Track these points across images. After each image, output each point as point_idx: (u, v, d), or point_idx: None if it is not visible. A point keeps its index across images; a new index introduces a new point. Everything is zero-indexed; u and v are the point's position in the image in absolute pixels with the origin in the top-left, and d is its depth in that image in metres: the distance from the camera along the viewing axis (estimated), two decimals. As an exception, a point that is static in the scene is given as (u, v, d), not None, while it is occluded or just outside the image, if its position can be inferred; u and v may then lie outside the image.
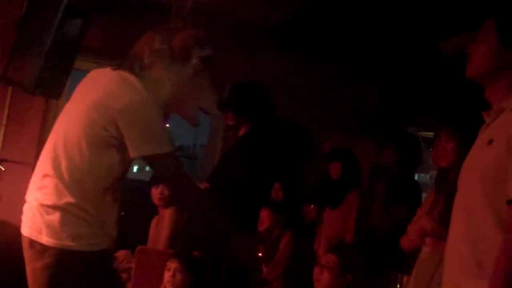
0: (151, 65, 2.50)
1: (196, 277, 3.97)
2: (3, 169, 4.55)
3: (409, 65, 6.04)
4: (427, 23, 4.98)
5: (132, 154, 2.40)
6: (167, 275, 3.96)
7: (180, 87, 2.54)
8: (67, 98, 5.53)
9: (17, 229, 5.02)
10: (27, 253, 2.47)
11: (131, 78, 2.45)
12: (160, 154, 2.42)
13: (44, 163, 2.50)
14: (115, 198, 2.51)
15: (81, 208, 2.37)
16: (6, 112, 5.02)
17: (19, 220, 5.06)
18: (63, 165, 2.40)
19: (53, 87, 4.79)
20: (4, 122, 5.02)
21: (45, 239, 2.37)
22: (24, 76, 4.56)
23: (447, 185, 3.21)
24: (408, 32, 5.33)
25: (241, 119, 4.03)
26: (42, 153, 2.54)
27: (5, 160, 4.62)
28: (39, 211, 2.43)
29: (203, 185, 3.93)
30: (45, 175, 2.47)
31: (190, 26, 2.68)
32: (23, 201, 5.21)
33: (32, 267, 2.44)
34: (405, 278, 3.52)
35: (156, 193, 4.95)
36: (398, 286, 3.47)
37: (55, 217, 2.37)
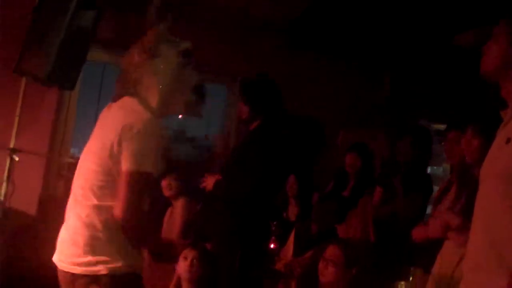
0: (139, 79, 2.53)
1: (211, 269, 3.98)
2: (17, 159, 4.57)
3: (422, 59, 6.02)
4: (440, 16, 4.96)
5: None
6: (184, 264, 3.95)
7: (172, 87, 2.56)
8: (80, 89, 5.61)
9: (30, 218, 5.09)
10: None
11: (128, 100, 2.50)
12: (138, 172, 2.34)
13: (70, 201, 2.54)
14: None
15: (103, 237, 2.38)
16: (19, 103, 5.03)
17: (32, 209, 5.13)
18: (83, 200, 2.43)
19: (66, 78, 4.81)
20: (17, 113, 5.03)
21: (73, 268, 2.39)
22: (37, 67, 4.57)
23: (471, 181, 3.20)
24: (421, 26, 5.32)
25: (255, 112, 4.04)
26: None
27: (19, 151, 4.64)
28: (66, 242, 2.47)
29: (215, 177, 3.96)
30: (70, 211, 2.50)
31: (157, 23, 2.68)
32: (36, 191, 5.28)
33: None
34: (417, 271, 3.52)
35: (164, 184, 4.98)
36: (411, 279, 3.46)
37: (80, 248, 2.39)
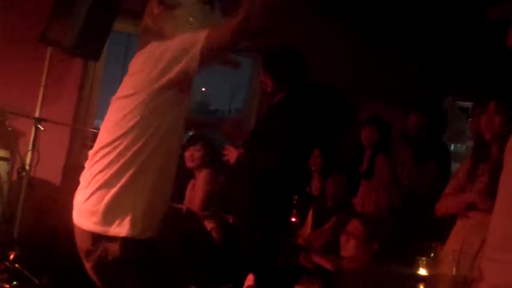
0: (161, 31, 2.48)
1: (229, 240, 4.01)
2: (42, 128, 4.61)
3: (453, 33, 5.94)
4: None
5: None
6: None
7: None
8: (106, 60, 5.62)
9: (55, 187, 5.14)
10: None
11: (154, 42, 2.44)
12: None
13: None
14: (156, 189, 2.43)
15: (122, 201, 2.36)
16: (45, 73, 5.06)
17: (57, 178, 5.17)
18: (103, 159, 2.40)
19: (92, 48, 4.82)
20: (43, 82, 5.07)
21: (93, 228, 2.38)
22: (63, 36, 4.59)
23: (491, 158, 3.17)
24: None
25: (279, 85, 4.02)
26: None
27: (44, 120, 4.68)
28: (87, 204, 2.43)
29: (237, 150, 3.95)
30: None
31: None
32: (60, 160, 5.32)
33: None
34: (439, 247, 3.49)
35: (187, 156, 4.98)
36: (432, 254, 3.45)
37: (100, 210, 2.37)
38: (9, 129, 4.65)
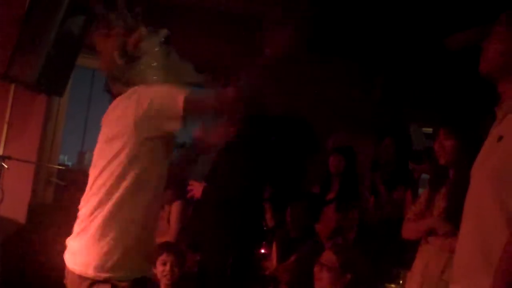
0: (131, 80, 2.51)
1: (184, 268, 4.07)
2: (6, 166, 4.54)
3: (413, 61, 6.05)
4: (431, 18, 4.99)
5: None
6: (163, 269, 4.01)
7: (164, 75, 2.53)
8: (70, 96, 5.59)
9: (19, 225, 5.05)
10: None
11: (127, 92, 2.48)
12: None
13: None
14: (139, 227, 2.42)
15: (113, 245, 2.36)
16: (9, 109, 5.01)
17: (22, 216, 5.07)
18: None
19: (56, 84, 4.80)
20: (7, 119, 5.01)
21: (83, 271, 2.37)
22: (27, 73, 4.55)
23: (448, 183, 3.21)
24: (412, 28, 5.34)
25: (227, 126, 4.13)
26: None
27: (8, 158, 4.61)
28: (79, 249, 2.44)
29: (201, 185, 4.00)
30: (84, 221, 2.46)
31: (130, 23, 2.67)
32: (25, 198, 5.23)
33: None
34: (406, 273, 3.52)
35: None
36: (401, 282, 3.47)
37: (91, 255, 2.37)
38: (-28, 168, 4.57)
